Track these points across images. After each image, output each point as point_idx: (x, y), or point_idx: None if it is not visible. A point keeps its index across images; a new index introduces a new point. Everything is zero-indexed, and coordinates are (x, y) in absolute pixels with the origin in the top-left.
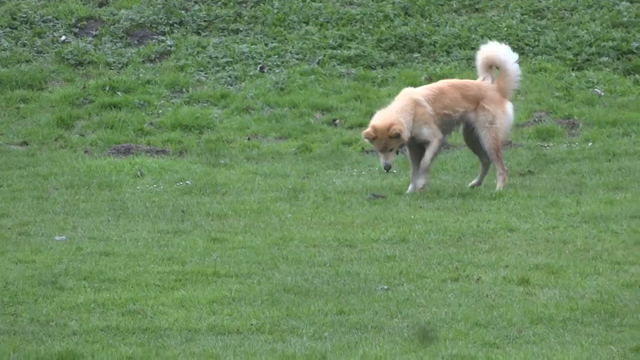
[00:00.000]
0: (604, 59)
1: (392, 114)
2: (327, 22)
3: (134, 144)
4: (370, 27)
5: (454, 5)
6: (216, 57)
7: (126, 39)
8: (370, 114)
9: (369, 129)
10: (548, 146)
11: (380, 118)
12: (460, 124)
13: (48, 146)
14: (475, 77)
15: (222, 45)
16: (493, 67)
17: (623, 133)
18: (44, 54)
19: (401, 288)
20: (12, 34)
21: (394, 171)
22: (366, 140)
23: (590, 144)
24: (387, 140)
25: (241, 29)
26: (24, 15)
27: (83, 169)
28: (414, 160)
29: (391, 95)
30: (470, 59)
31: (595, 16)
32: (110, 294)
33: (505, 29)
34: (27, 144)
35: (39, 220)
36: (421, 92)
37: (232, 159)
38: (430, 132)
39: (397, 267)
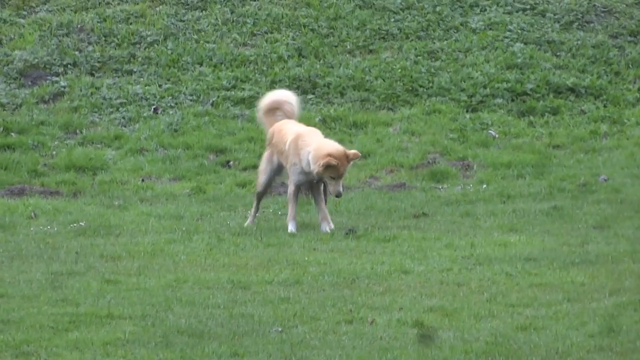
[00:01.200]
0: (498, 100)
1: (333, 142)
2: (221, 63)
3: (28, 185)
4: (264, 68)
5: (348, 47)
6: (110, 98)
7: (20, 79)
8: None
9: (329, 158)
10: (442, 188)
11: (330, 146)
12: None
13: None
14: (369, 117)
15: (116, 87)
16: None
17: (517, 175)
18: None
19: (295, 330)
20: None
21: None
22: (322, 168)
23: (484, 185)
24: (346, 166)
25: (135, 70)
26: None
27: None
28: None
29: None
30: (365, 101)
31: (489, 58)
32: (3, 336)
33: (399, 70)
34: None
35: None
36: None
37: (126, 200)
38: None
39: (291, 309)
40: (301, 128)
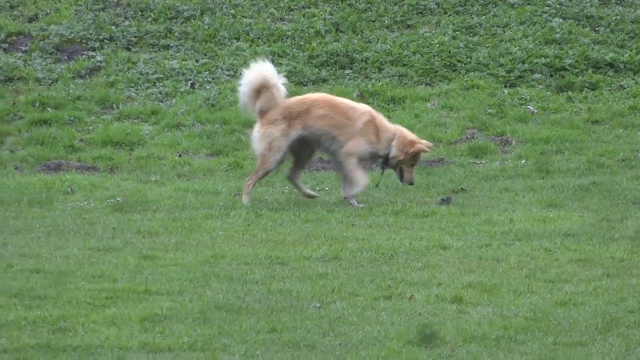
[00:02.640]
0: (537, 75)
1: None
2: (258, 38)
3: (64, 160)
4: (302, 43)
5: (386, 22)
6: (146, 73)
7: (56, 54)
8: None
9: (419, 146)
10: (481, 163)
11: (413, 136)
12: None
13: None
14: (407, 93)
15: (153, 62)
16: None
17: (556, 150)
18: None
19: (333, 306)
20: None
21: (326, 188)
22: (408, 156)
23: (523, 161)
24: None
25: (172, 45)
26: None
27: (13, 185)
28: None
29: None
30: (402, 76)
31: (527, 33)
32: (40, 312)
33: (437, 45)
34: None
35: None
36: None
37: (163, 176)
38: None
39: (329, 285)
40: (364, 106)
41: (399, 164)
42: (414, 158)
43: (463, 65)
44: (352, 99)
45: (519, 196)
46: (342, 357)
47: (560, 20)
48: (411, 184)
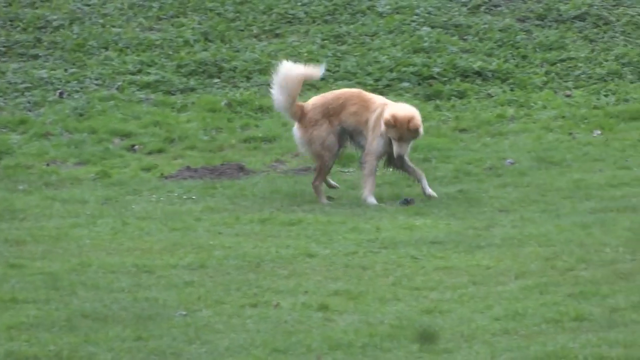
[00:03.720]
0: (405, 84)
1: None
2: (127, 47)
3: None
4: (170, 52)
5: (254, 31)
6: (15, 83)
7: None
8: (169, 140)
9: (390, 117)
10: (348, 171)
11: (400, 108)
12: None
13: None
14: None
15: (22, 71)
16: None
17: (423, 159)
18: None
19: (200, 314)
20: None
21: (194, 197)
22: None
23: (390, 169)
24: (405, 129)
25: (41, 54)
26: None
27: None
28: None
29: (191, 121)
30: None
31: (396, 42)
32: None
33: (306, 54)
34: None
35: None
36: None
37: (30, 185)
38: None
39: (195, 292)
40: (383, 99)
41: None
42: (391, 131)
43: (331, 74)
44: (220, 108)
45: (386, 204)
46: None
47: (429, 29)
48: (396, 156)
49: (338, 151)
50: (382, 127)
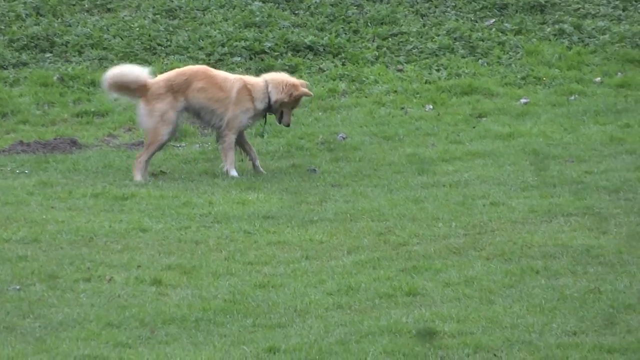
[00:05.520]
0: (237, 59)
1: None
2: None
3: None
4: (2, 27)
5: (86, 5)
6: None
7: None
8: (1, 114)
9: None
10: (180, 146)
11: (290, 78)
12: None
13: None
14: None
15: None
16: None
17: (255, 133)
18: None
19: (33, 288)
20: None
21: (26, 171)
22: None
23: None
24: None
25: None
26: None
27: None
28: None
29: (23, 95)
30: (103, 59)
31: (227, 16)
32: None
33: (138, 29)
34: None
35: None
36: None
37: None
38: None
39: (29, 267)
40: (235, 75)
41: (281, 107)
42: (296, 101)
43: (163, 48)
44: (53, 82)
45: (219, 179)
46: (42, 339)
47: (260, 3)
48: (288, 125)
49: (175, 129)
50: (275, 97)
